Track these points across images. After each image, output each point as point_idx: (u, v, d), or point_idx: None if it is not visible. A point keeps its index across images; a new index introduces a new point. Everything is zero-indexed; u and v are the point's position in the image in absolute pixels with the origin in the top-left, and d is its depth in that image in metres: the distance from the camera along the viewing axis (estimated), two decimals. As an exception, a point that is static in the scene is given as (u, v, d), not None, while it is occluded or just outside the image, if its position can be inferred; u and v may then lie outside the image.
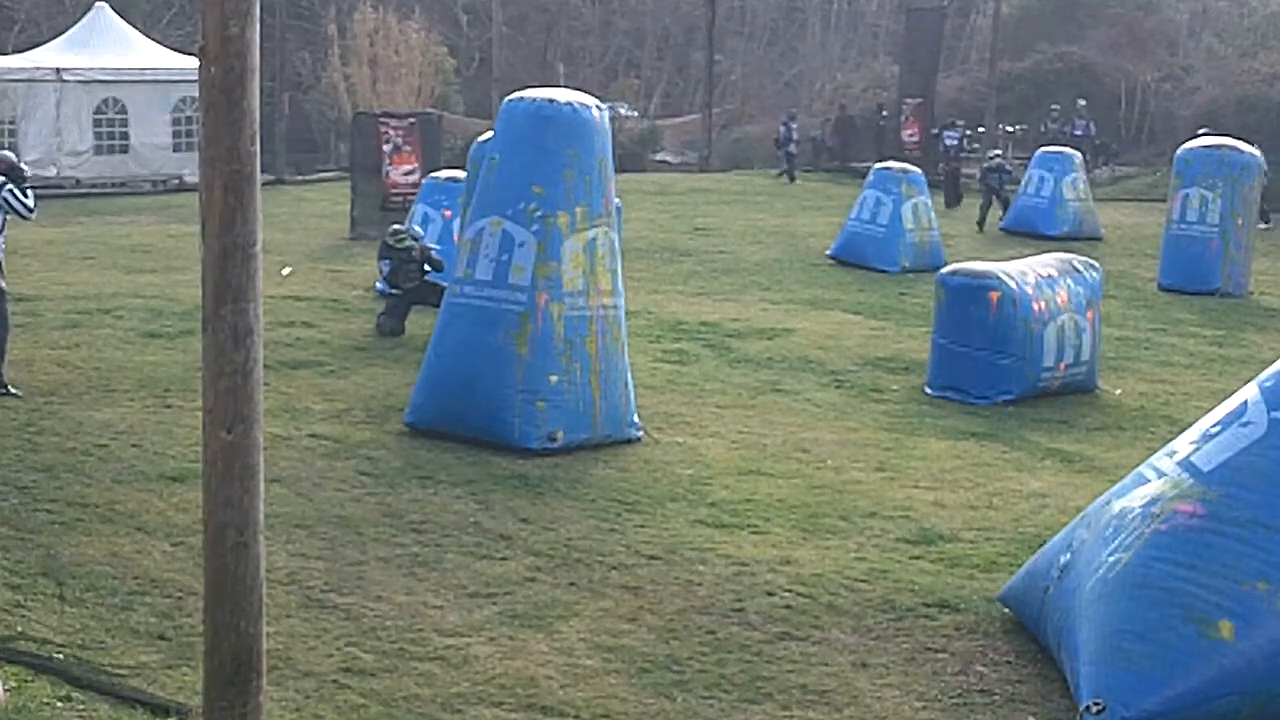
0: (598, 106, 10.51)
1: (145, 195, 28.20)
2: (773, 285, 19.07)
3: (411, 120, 24.29)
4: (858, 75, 46.22)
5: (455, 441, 10.11)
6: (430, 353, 10.55)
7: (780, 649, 6.86)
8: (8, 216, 10.78)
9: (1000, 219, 25.37)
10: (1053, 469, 10.69)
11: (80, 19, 32.23)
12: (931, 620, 7.29)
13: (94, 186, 28.39)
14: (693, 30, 48.64)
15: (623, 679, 6.44)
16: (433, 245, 14.99)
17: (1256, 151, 20.69)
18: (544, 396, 10.03)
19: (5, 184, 10.64)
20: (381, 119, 24.10)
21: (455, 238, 14.58)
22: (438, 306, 11.07)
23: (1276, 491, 6.15)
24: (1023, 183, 25.56)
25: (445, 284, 12.14)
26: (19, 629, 6.35)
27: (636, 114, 45.76)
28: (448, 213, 16.24)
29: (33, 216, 11.00)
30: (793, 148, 32.90)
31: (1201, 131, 24.58)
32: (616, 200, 11.05)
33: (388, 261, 14.63)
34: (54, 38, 32.16)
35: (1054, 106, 34.40)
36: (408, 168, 22.80)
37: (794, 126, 33.21)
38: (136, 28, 32.26)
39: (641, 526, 8.63)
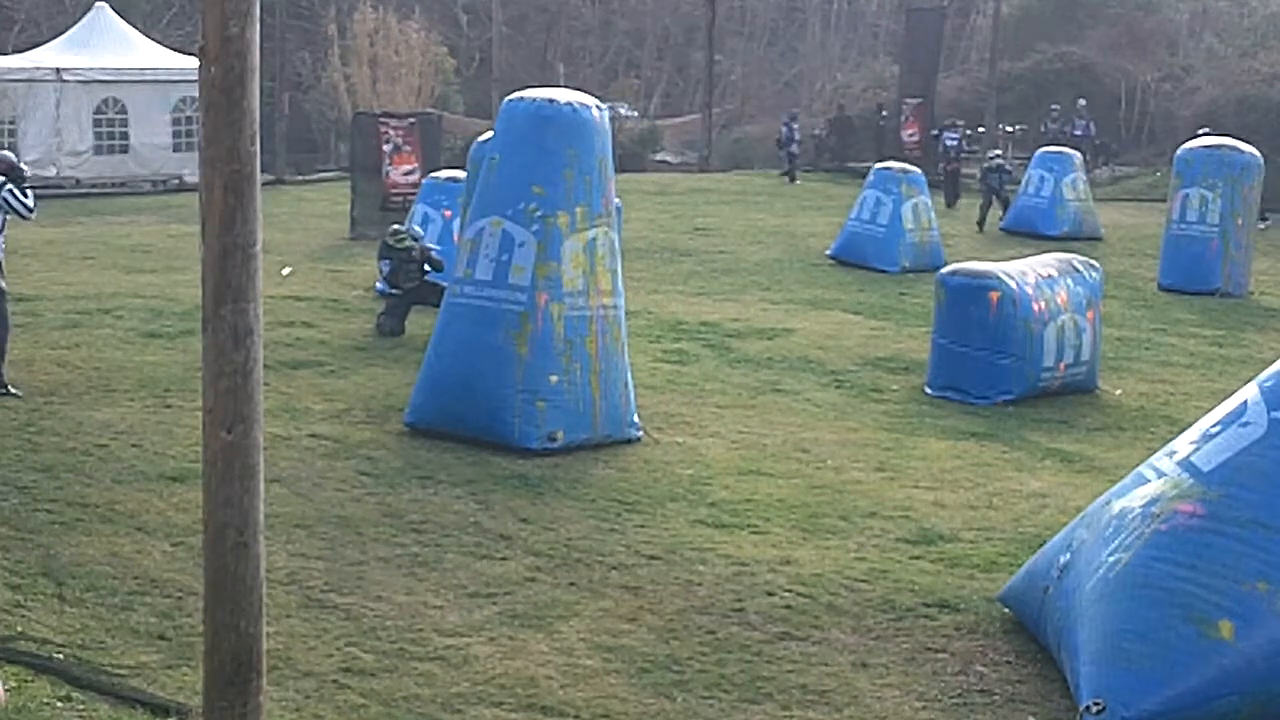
0: (598, 106, 10.51)
1: (145, 195, 28.20)
2: (773, 285, 19.07)
3: (411, 120, 24.29)
4: (858, 75, 46.20)
5: (455, 441, 10.11)
6: (430, 353, 10.55)
7: (780, 649, 6.86)
8: (8, 216, 10.78)
9: (1000, 219, 25.37)
10: (1053, 469, 10.69)
11: (80, 19, 32.22)
12: (931, 620, 7.29)
13: (94, 186, 28.39)
14: (693, 30, 48.63)
15: (623, 679, 6.44)
16: (433, 245, 14.99)
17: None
18: (544, 396, 10.03)
19: (5, 184, 10.64)
20: (381, 119, 24.10)
21: (455, 238, 14.58)
22: (438, 306, 11.07)
23: (1276, 491, 6.15)
24: (1023, 183, 25.56)
25: (445, 284, 12.14)
26: (19, 629, 6.35)
27: (636, 114, 45.75)
28: (448, 213, 16.24)
29: (33, 216, 11.00)
30: (794, 148, 32.91)
31: (1201, 131, 24.58)
32: (616, 200, 11.05)
33: (388, 261, 14.63)
34: (54, 38, 32.16)
35: (1054, 106, 34.40)
36: (408, 168, 22.80)
37: (796, 127, 33.21)
38: (136, 28, 32.25)
39: (641, 526, 8.64)
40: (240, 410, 4.47)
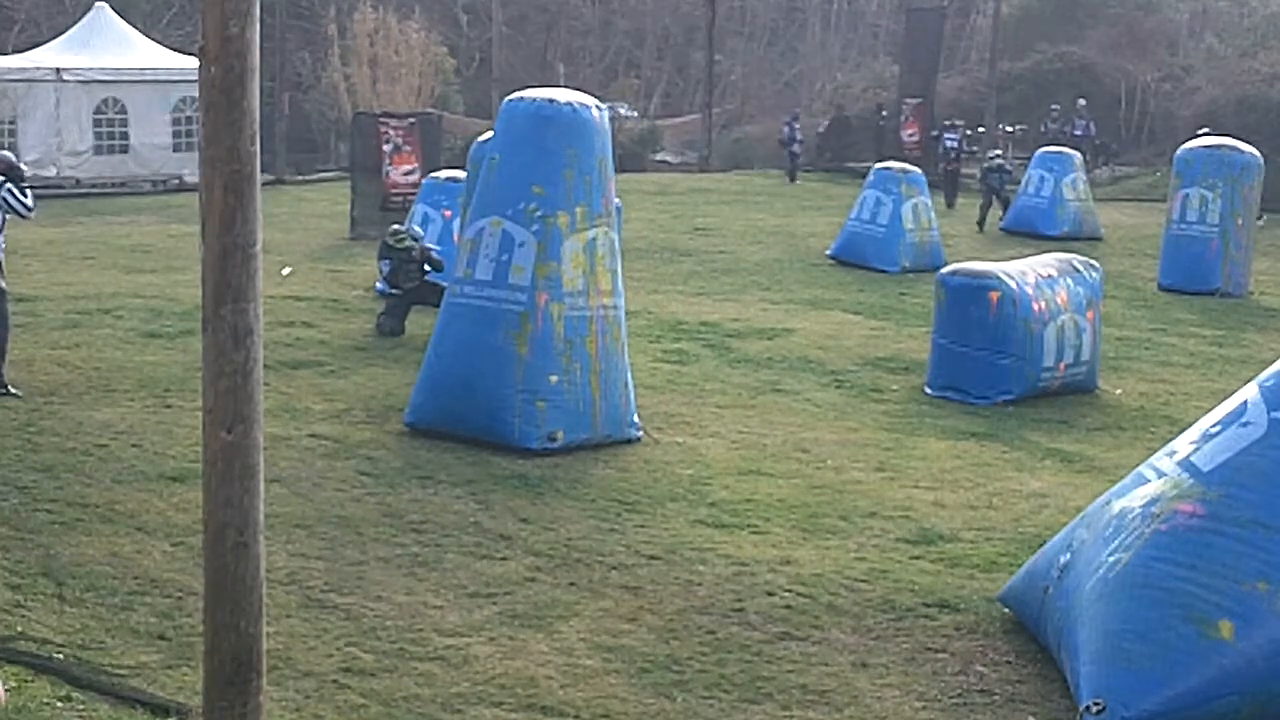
0: (598, 106, 10.51)
1: (145, 195, 28.20)
2: (773, 285, 19.07)
3: (411, 120, 24.29)
4: (858, 75, 46.20)
5: (455, 441, 10.11)
6: (430, 353, 10.55)
7: (780, 649, 6.86)
8: (7, 216, 10.78)
9: (1000, 219, 25.37)
10: (1053, 469, 10.69)
11: (80, 19, 32.22)
12: (931, 620, 7.29)
13: (94, 186, 28.39)
14: (693, 30, 48.64)
15: (623, 679, 6.44)
16: (433, 245, 14.99)
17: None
18: (544, 396, 10.03)
19: (4, 183, 10.65)
20: (381, 119, 24.10)
21: (455, 238, 14.58)
22: (438, 306, 11.07)
23: (1276, 491, 6.15)
24: (1023, 183, 25.57)
25: (445, 284, 12.14)
26: (19, 629, 6.35)
27: (636, 114, 45.75)
28: (448, 213, 16.24)
29: (32, 216, 11.00)
30: (796, 148, 32.91)
31: (1201, 131, 24.58)
32: (616, 200, 11.05)
33: (388, 261, 14.63)
34: (54, 38, 32.16)
35: (1054, 106, 34.40)
36: (408, 168, 22.80)
37: (797, 127, 33.22)
38: (136, 28, 32.26)
39: (641, 526, 8.64)
40: (240, 410, 4.48)
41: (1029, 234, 23.90)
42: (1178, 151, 21.15)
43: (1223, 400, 6.93)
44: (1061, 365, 13.07)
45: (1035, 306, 12.82)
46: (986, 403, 12.62)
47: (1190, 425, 7.09)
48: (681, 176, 34.29)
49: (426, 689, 6.20)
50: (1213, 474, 6.34)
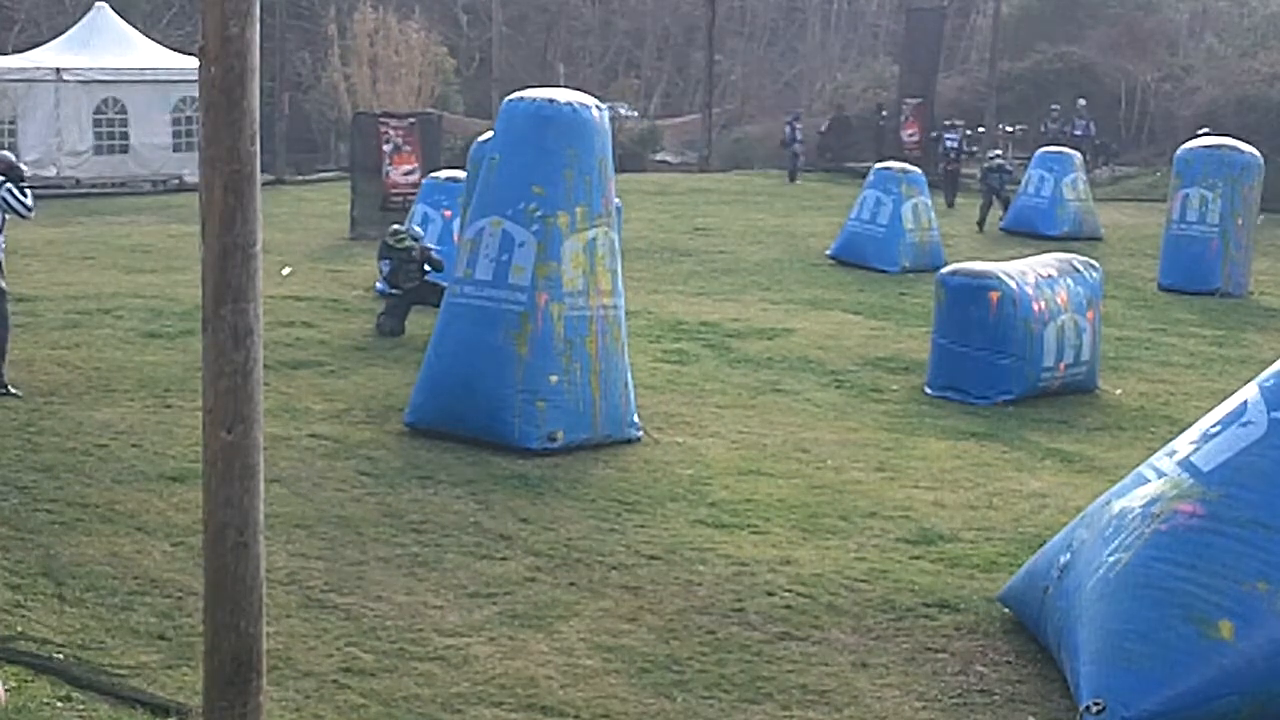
0: (598, 106, 10.51)
1: (145, 195, 28.20)
2: (773, 285, 19.07)
3: (411, 120, 24.29)
4: (858, 75, 46.20)
5: (455, 441, 10.11)
6: (430, 353, 10.55)
7: (780, 649, 6.86)
8: (7, 216, 10.79)
9: (1000, 219, 25.37)
10: (1053, 469, 10.69)
11: (80, 19, 32.22)
12: (931, 620, 7.29)
13: (94, 186, 28.39)
14: (693, 30, 48.63)
15: (623, 679, 6.44)
16: (433, 245, 14.99)
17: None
18: (544, 396, 10.03)
19: (4, 183, 10.65)
20: (381, 119, 24.10)
21: (455, 238, 14.58)
22: (438, 306, 11.07)
23: (1276, 491, 6.15)
24: (1023, 183, 25.56)
25: (445, 284, 12.14)
26: (19, 629, 6.35)
27: (636, 114, 45.74)
28: (448, 213, 16.24)
29: (31, 215, 11.01)
30: (798, 148, 32.90)
31: (1201, 131, 24.58)
32: (616, 200, 11.05)
33: (388, 261, 14.63)
34: (54, 38, 32.15)
35: (1054, 106, 34.39)
36: (408, 168, 22.80)
37: (799, 127, 33.22)
38: (136, 28, 32.25)
39: (641, 526, 8.64)
40: (240, 410, 4.48)
41: (1029, 234, 23.90)
42: (1178, 151, 21.15)
43: (1223, 400, 6.93)
44: (1061, 365, 13.07)
45: (1035, 306, 12.82)
46: (986, 403, 12.62)
47: (1190, 425, 7.09)
48: (681, 176, 34.30)
49: (426, 689, 6.20)
50: (1213, 474, 6.34)
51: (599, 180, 10.31)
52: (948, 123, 30.24)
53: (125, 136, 29.40)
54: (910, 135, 34.44)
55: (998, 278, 12.87)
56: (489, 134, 12.79)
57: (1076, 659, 6.19)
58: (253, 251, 4.44)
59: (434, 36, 39.52)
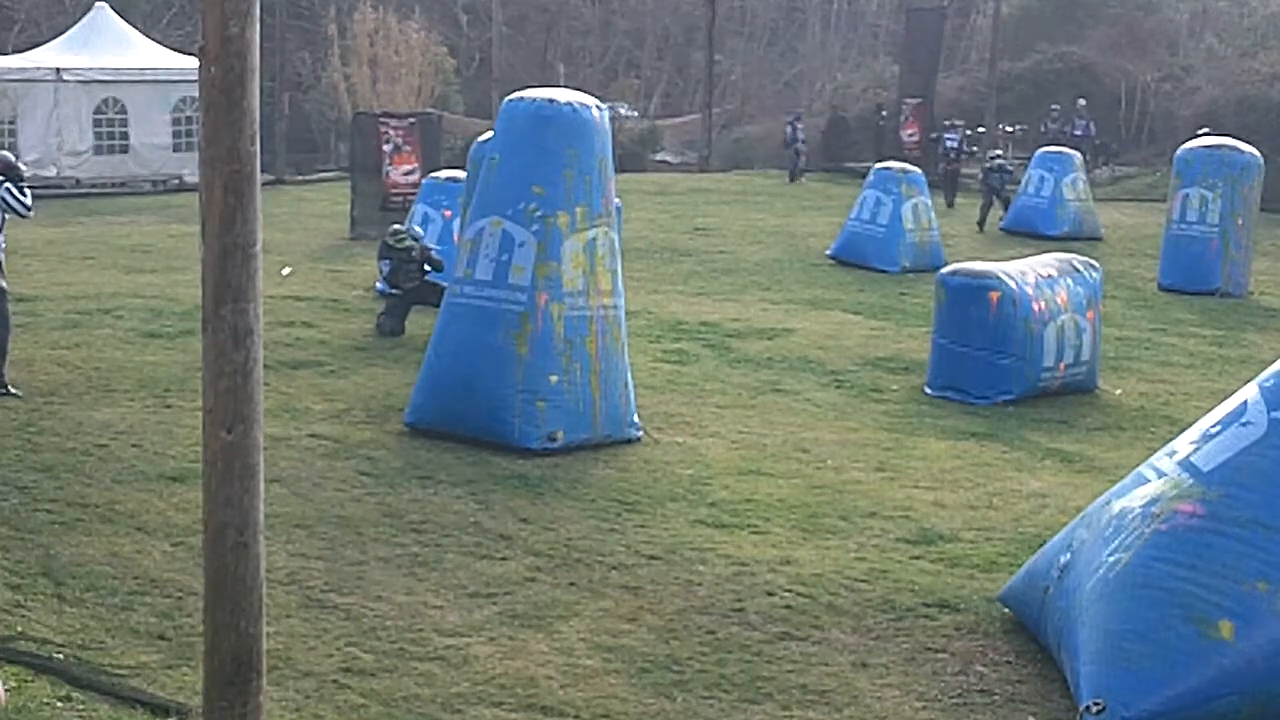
0: (598, 106, 10.51)
1: (145, 195, 28.21)
2: (773, 285, 19.07)
3: (411, 120, 24.29)
4: (858, 75, 46.20)
5: (455, 441, 10.11)
6: (430, 353, 10.55)
7: (780, 649, 6.86)
8: (6, 216, 10.79)
9: (1000, 219, 25.37)
10: (1053, 469, 10.69)
11: (80, 19, 32.22)
12: (931, 620, 7.29)
13: (94, 186, 28.39)
14: (693, 30, 48.63)
15: (623, 679, 6.44)
16: (433, 245, 14.99)
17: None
18: (544, 396, 10.03)
19: (3, 183, 10.66)
20: (381, 119, 24.10)
21: (455, 238, 14.58)
22: (438, 306, 11.07)
23: (1276, 491, 6.15)
24: (1023, 183, 25.57)
25: (445, 284, 12.14)
26: (19, 629, 6.35)
27: (636, 114, 45.75)
28: (448, 213, 16.24)
29: (30, 215, 11.01)
30: (800, 147, 32.89)
31: (1201, 131, 24.58)
32: (616, 200, 11.05)
33: (388, 261, 14.63)
34: (54, 38, 32.16)
35: (1054, 106, 34.39)
36: (408, 168, 22.80)
37: (800, 127, 33.20)
38: (136, 28, 32.26)
39: (641, 526, 8.64)
40: (240, 410, 4.47)
41: (1029, 234, 23.90)
42: (1178, 151, 21.15)
43: (1223, 400, 6.93)
44: (1061, 365, 13.07)
45: (1035, 306, 12.82)
46: (986, 403, 12.62)
47: (1190, 425, 7.09)
48: (681, 176, 34.29)
49: (426, 689, 6.20)
50: (1213, 474, 6.34)
51: (599, 180, 10.31)
52: (948, 123, 30.25)
53: (125, 136, 29.41)
54: (910, 135, 34.43)
55: (998, 278, 12.87)
56: (489, 134, 12.79)
57: (1076, 659, 6.19)
58: (253, 251, 4.44)
59: (434, 36, 39.53)
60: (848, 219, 21.60)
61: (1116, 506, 6.66)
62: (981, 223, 25.44)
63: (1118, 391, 13.69)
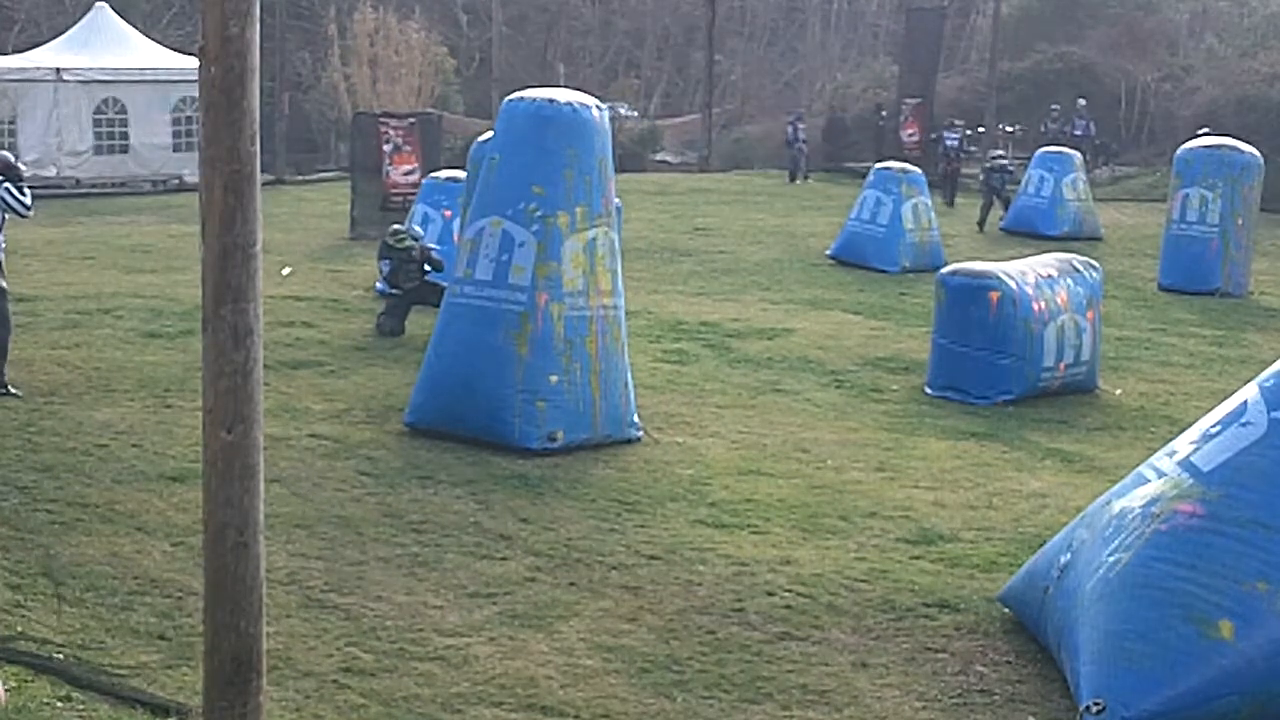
0: (598, 106, 10.51)
1: (145, 195, 28.21)
2: (773, 285, 19.07)
3: (411, 120, 24.29)
4: (858, 75, 46.19)
5: (455, 441, 10.11)
6: (430, 353, 10.55)
7: (780, 649, 6.86)
8: (6, 216, 10.79)
9: (1001, 219, 25.37)
10: (1053, 469, 10.69)
11: (80, 19, 32.22)
12: (931, 620, 7.29)
13: (94, 186, 28.40)
14: (693, 30, 48.63)
15: (623, 679, 6.44)
16: (433, 245, 14.99)
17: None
18: (544, 396, 10.03)
19: (2, 183, 10.66)
20: (381, 119, 24.10)
21: (455, 238, 14.58)
22: (438, 306, 11.07)
23: (1276, 491, 6.15)
24: (1023, 183, 25.57)
25: (445, 284, 12.14)
26: (19, 629, 6.35)
27: (636, 114, 45.75)
28: (448, 213, 16.24)
29: (30, 214, 11.01)
30: (801, 147, 32.87)
31: (1201, 131, 24.58)
32: (616, 200, 11.05)
33: (388, 261, 14.63)
34: (54, 38, 32.16)
35: (1054, 106, 34.39)
36: (408, 168, 22.80)
37: (801, 127, 33.19)
38: (136, 28, 32.26)
39: (641, 526, 8.64)
40: (240, 410, 4.47)
41: (1029, 234, 23.90)
42: (1178, 151, 21.15)
43: (1223, 400, 6.94)
44: (1061, 365, 13.07)
45: (1035, 306, 12.82)
46: (986, 403, 12.62)
47: (1190, 425, 7.09)
48: (681, 176, 34.29)
49: (426, 689, 6.20)
50: (1213, 474, 6.34)
51: (599, 180, 10.31)
52: (947, 122, 30.24)
53: (125, 136, 29.41)
54: (910, 135, 34.42)
55: (998, 278, 12.88)
56: (489, 134, 12.79)
57: (1076, 659, 6.19)
58: (253, 251, 4.43)
59: (434, 36, 39.53)
60: (848, 219, 21.60)
61: (1116, 506, 6.66)
62: (981, 223, 25.44)
63: (1118, 391, 13.69)
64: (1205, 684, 5.85)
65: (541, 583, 7.59)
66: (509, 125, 10.43)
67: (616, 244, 10.61)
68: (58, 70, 28.61)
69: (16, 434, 9.77)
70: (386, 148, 22.95)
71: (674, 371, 13.30)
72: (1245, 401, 6.54)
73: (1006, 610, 7.33)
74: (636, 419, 10.70)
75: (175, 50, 31.21)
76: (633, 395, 10.70)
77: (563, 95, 10.53)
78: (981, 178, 26.80)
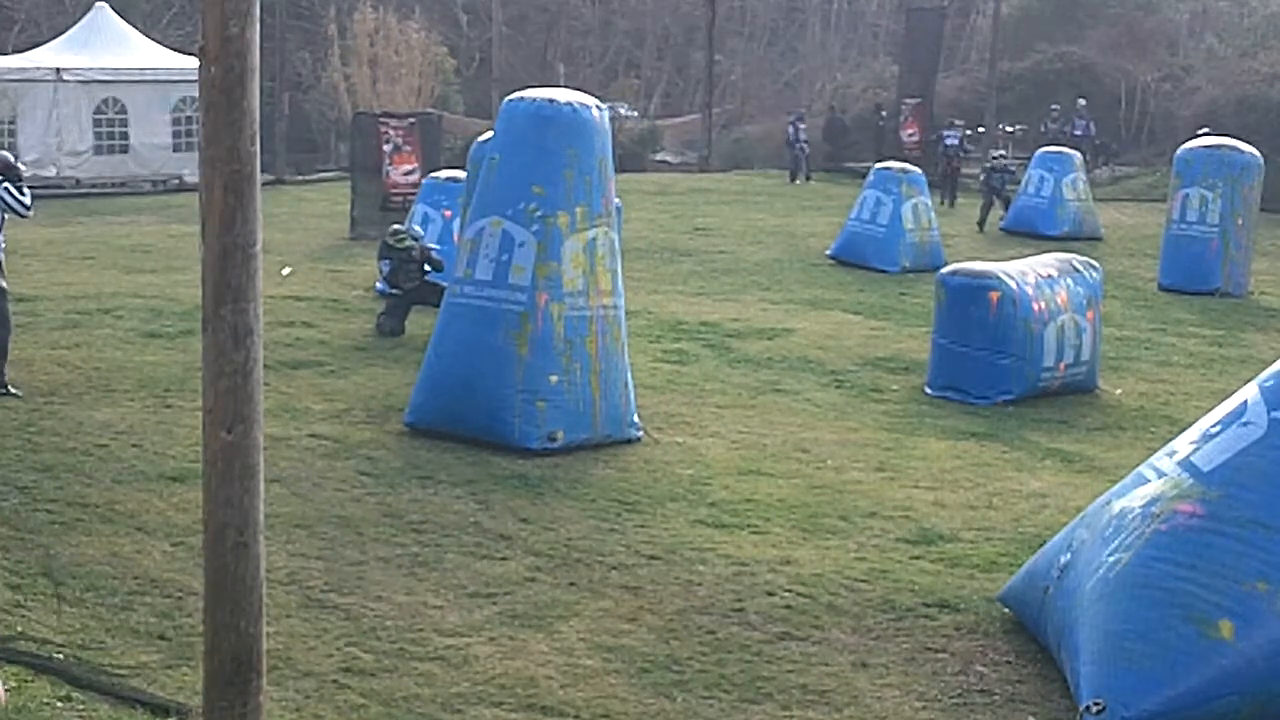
0: (598, 106, 10.51)
1: (145, 195, 28.21)
2: (773, 285, 19.07)
3: (411, 120, 24.29)
4: (858, 75, 46.20)
5: (455, 441, 10.11)
6: (430, 353, 10.55)
7: (780, 649, 6.86)
8: (6, 216, 10.79)
9: (1001, 219, 25.37)
10: (1053, 469, 10.69)
11: (80, 19, 32.22)
12: (931, 620, 7.29)
13: (94, 186, 28.39)
14: (693, 30, 48.63)
15: (623, 679, 6.44)
16: (433, 245, 14.99)
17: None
18: (544, 396, 10.03)
19: (2, 182, 10.65)
20: (381, 119, 24.10)
21: (455, 238, 14.58)
22: (438, 306, 11.07)
23: (1276, 491, 6.15)
24: (1023, 183, 25.57)
25: (445, 284, 12.14)
26: (19, 629, 6.35)
27: (636, 114, 45.74)
28: (448, 213, 16.24)
29: (29, 214, 11.01)
30: (803, 147, 32.86)
31: (1201, 131, 24.58)
32: (616, 200, 11.05)
33: (388, 261, 14.63)
34: (54, 38, 32.15)
35: (1054, 106, 34.39)
36: (408, 168, 22.80)
37: (802, 127, 33.18)
38: (136, 28, 32.25)
39: (641, 526, 8.64)
40: (240, 410, 4.47)
41: (1029, 234, 23.89)
42: (1178, 151, 21.15)
43: (1223, 400, 6.94)
44: (1061, 365, 13.07)
45: (1035, 306, 12.82)
46: (986, 403, 12.62)
47: (1190, 425, 7.09)
48: (681, 176, 34.28)
49: (426, 689, 6.20)
50: (1213, 474, 6.34)
51: (599, 180, 10.31)
52: (947, 122, 30.24)
53: (125, 136, 29.40)
54: (910, 135, 34.42)
55: (998, 278, 12.88)
56: (489, 134, 12.79)
57: (1076, 659, 6.19)
58: (253, 251, 4.43)
59: (434, 36, 39.52)
60: (848, 219, 21.60)
61: (1116, 506, 6.66)
62: (982, 223, 25.44)
63: (1118, 391, 13.69)
64: (1205, 684, 5.85)
65: (541, 583, 7.59)
66: (509, 125, 10.43)
67: (616, 244, 10.61)
68: (58, 70, 28.61)
69: (16, 434, 9.77)
70: (386, 148, 22.95)
71: (674, 371, 13.30)
72: (1245, 401, 6.54)
73: (1006, 610, 7.33)
74: (636, 419, 10.70)
75: (175, 50, 31.21)
76: (633, 395, 10.71)
77: (563, 95, 10.53)
78: (982, 178, 26.80)
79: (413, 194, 19.66)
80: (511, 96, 10.73)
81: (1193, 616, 5.97)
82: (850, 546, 8.44)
